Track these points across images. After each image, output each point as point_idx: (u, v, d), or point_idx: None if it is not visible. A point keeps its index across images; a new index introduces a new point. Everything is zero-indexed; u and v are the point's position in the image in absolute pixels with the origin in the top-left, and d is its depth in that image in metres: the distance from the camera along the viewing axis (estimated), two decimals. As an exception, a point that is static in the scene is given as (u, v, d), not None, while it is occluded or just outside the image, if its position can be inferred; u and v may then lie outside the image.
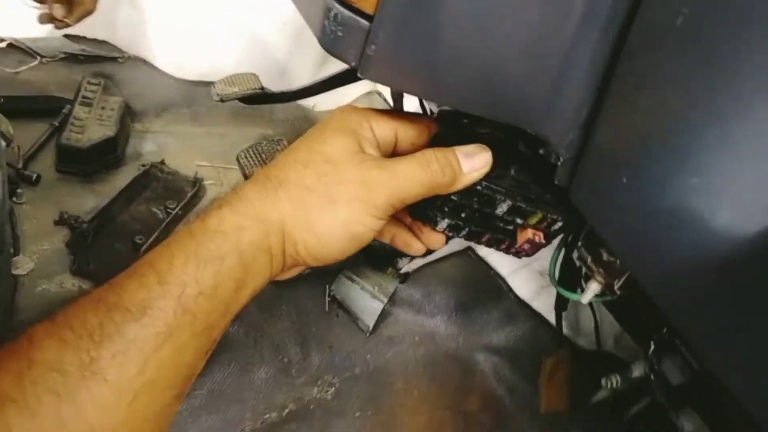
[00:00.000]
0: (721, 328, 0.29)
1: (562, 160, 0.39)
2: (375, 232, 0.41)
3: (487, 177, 0.43)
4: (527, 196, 0.44)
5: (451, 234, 0.46)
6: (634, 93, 0.32)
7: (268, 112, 1.24)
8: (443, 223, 0.45)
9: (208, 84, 1.20)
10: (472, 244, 0.63)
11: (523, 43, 0.35)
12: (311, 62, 1.28)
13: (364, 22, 0.35)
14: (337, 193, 0.39)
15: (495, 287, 0.93)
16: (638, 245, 0.34)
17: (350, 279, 0.84)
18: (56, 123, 0.97)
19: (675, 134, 0.30)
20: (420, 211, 0.46)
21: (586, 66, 0.35)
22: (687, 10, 0.27)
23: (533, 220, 0.45)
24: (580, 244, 0.46)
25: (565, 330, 0.85)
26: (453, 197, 0.43)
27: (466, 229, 0.46)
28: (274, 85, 1.14)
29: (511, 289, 0.93)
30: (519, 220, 0.45)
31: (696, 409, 0.39)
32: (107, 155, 0.95)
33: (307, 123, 1.27)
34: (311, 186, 0.39)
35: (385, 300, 0.84)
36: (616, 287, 0.42)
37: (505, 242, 0.47)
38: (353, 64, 0.37)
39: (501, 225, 0.46)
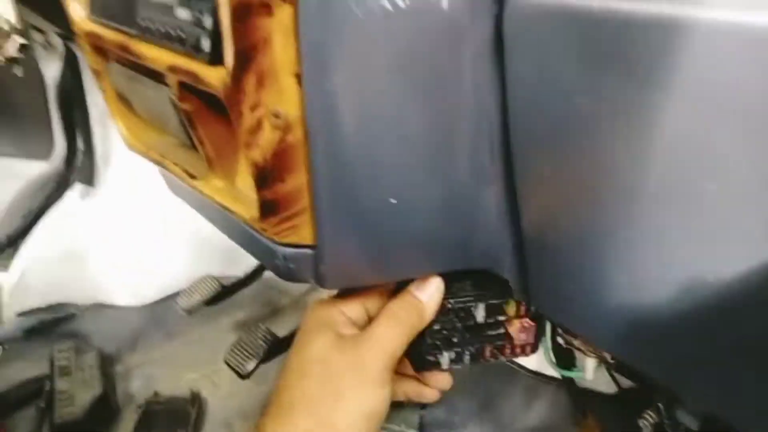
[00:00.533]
0: (704, 375, 0.34)
1: (510, 281, 0.44)
2: (387, 399, 0.44)
3: (452, 295, 0.48)
4: (494, 292, 0.48)
5: (456, 366, 0.50)
6: (542, 220, 0.38)
7: (233, 297, 1.27)
8: (445, 360, 0.49)
9: (169, 299, 1.24)
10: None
11: (435, 214, 0.40)
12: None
13: (309, 251, 0.40)
14: (339, 387, 0.43)
15: (506, 370, 0.96)
16: (602, 328, 0.39)
17: (376, 429, 0.85)
18: (42, 404, 0.97)
19: (588, 235, 0.36)
20: (421, 362, 0.50)
21: (493, 208, 0.41)
22: (549, 169, 0.34)
23: (511, 310, 0.49)
24: (559, 331, 0.50)
25: (584, 381, 0.88)
26: (435, 327, 0.48)
27: (467, 354, 0.49)
28: (227, 271, 1.19)
29: (521, 366, 0.96)
30: (501, 318, 0.49)
31: None
32: (104, 412, 0.95)
33: (271, 290, 1.31)
34: (316, 394, 0.43)
35: (416, 432, 0.85)
36: (608, 358, 0.46)
37: (506, 345, 0.50)
38: (312, 282, 0.42)
39: (491, 333, 0.50)
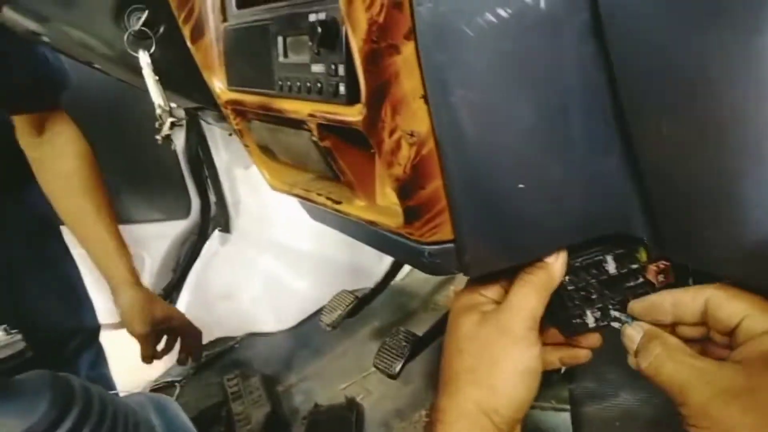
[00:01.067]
0: None
1: (645, 238, 0.47)
2: (537, 357, 0.48)
3: (577, 254, 0.49)
4: (617, 242, 0.49)
5: (605, 322, 0.52)
6: (667, 179, 0.41)
7: (367, 308, 1.36)
8: (590, 318, 0.51)
9: (310, 319, 1.35)
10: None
11: (561, 190, 0.44)
12: (372, 250, 1.43)
13: (450, 246, 0.46)
14: (492, 353, 0.48)
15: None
16: (742, 264, 0.40)
17: (529, 408, 0.89)
18: (222, 428, 1.10)
19: (711, 186, 0.38)
20: (569, 327, 0.52)
21: (618, 176, 0.44)
22: (664, 122, 0.37)
23: (643, 256, 0.49)
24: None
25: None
26: (570, 288, 0.50)
27: (610, 308, 0.51)
28: (352, 284, 1.27)
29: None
30: (634, 266, 0.50)
31: None
32: (276, 427, 1.05)
33: (400, 296, 1.38)
34: (474, 364, 0.48)
35: (567, 406, 0.87)
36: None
37: (648, 292, 0.50)
38: (458, 272, 0.48)
39: (630, 284, 0.51)
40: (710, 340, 0.45)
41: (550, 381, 0.92)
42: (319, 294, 1.30)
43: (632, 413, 0.87)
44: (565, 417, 0.87)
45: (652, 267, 0.50)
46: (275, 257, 1.35)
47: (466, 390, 0.48)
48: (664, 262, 0.50)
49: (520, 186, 0.42)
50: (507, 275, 0.54)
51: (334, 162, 0.49)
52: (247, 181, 1.33)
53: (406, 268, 1.44)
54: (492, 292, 0.53)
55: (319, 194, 0.56)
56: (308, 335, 1.30)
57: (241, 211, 1.37)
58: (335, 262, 1.38)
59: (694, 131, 0.36)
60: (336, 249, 1.37)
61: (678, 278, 0.51)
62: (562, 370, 0.96)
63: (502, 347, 0.48)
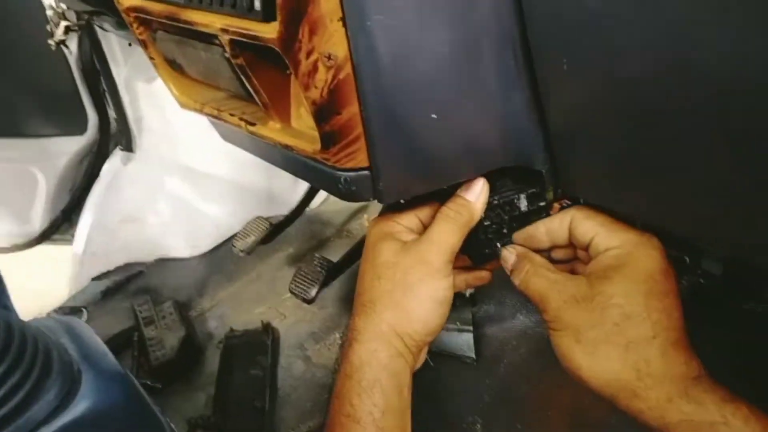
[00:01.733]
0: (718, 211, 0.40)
1: (544, 172, 0.50)
2: (451, 288, 0.51)
3: (495, 192, 0.53)
4: (532, 183, 0.53)
5: None
6: (565, 113, 0.43)
7: (281, 235, 1.36)
8: (500, 249, 0.56)
9: (224, 245, 1.33)
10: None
11: (472, 121, 0.46)
12: (288, 177, 1.41)
13: (366, 173, 0.46)
14: (410, 281, 0.50)
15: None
16: (627, 198, 0.45)
17: (435, 329, 0.94)
18: (135, 352, 1.09)
19: (608, 127, 0.41)
20: (479, 257, 0.56)
21: (524, 110, 0.46)
22: (565, 60, 0.39)
23: (550, 194, 0.54)
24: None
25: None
26: (486, 223, 0.54)
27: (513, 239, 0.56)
28: (269, 211, 1.26)
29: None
30: (541, 203, 0.55)
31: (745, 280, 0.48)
32: (191, 352, 1.06)
33: (314, 224, 1.39)
34: (392, 289, 0.51)
35: (471, 327, 0.94)
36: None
37: None
38: (372, 199, 0.49)
39: (536, 218, 0.56)
40: (578, 259, 0.52)
41: (455, 304, 0.97)
42: (233, 220, 1.29)
43: (527, 333, 0.94)
44: (468, 337, 0.94)
45: (556, 205, 0.54)
46: (183, 180, 1.30)
47: (382, 313, 0.50)
48: (566, 201, 0.54)
49: (433, 116, 0.43)
50: (421, 205, 0.56)
51: (247, 81, 0.47)
52: (150, 96, 1.25)
53: (321, 195, 1.44)
54: (408, 221, 0.55)
55: (232, 114, 0.54)
56: (221, 261, 1.29)
57: (144, 128, 1.29)
58: (249, 188, 1.36)
59: (586, 73, 0.38)
60: (250, 174, 1.34)
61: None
62: (467, 294, 1.01)
63: (420, 276, 0.50)
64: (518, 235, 0.54)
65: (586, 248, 0.49)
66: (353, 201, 0.49)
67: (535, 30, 0.40)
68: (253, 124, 0.52)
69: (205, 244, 1.32)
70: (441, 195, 0.54)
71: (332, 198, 1.52)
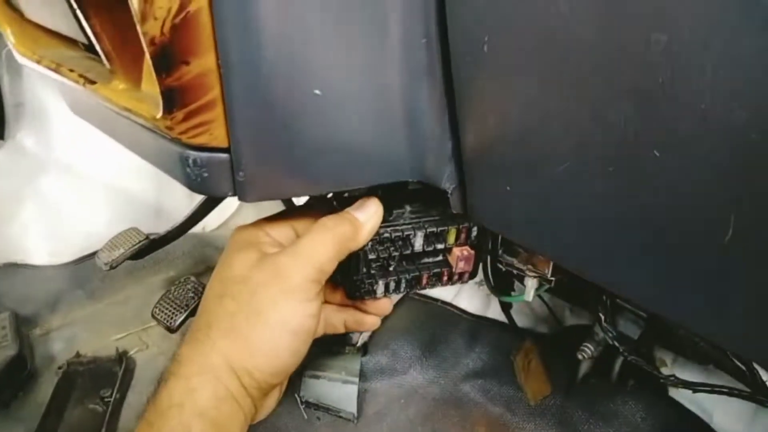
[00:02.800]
0: (637, 268, 0.32)
1: (449, 192, 0.41)
2: (313, 317, 0.40)
3: (389, 223, 0.45)
4: (432, 220, 0.46)
5: (393, 293, 0.48)
6: (478, 114, 0.35)
7: (163, 255, 1.20)
8: (381, 287, 0.47)
9: (92, 256, 1.16)
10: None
11: (365, 111, 0.37)
12: (182, 190, 1.27)
13: (224, 156, 0.36)
14: (258, 303, 0.39)
15: (447, 315, 0.95)
16: (541, 232, 0.37)
17: (315, 377, 0.82)
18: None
19: (525, 135, 0.33)
20: (354, 290, 0.47)
21: (429, 108, 0.38)
22: (487, 37, 0.31)
23: (451, 238, 0.47)
24: (500, 252, 0.48)
25: (524, 323, 0.88)
26: (371, 257, 0.45)
27: (403, 281, 0.47)
28: (154, 227, 1.11)
29: (463, 311, 0.95)
30: (439, 246, 0.47)
31: (664, 344, 0.42)
32: (19, 375, 0.87)
33: (205, 247, 1.25)
34: (235, 312, 0.39)
35: (356, 380, 0.83)
36: (548, 275, 0.45)
37: (444, 273, 0.48)
38: (230, 194, 0.38)
39: (429, 260, 0.48)
40: None
41: (342, 352, 0.86)
42: (110, 231, 1.12)
43: (418, 392, 0.84)
44: (351, 390, 0.83)
45: (456, 251, 0.48)
46: (57, 179, 1.13)
47: (217, 341, 0.38)
48: (468, 250, 0.46)
49: (316, 92, 0.34)
50: (302, 216, 0.46)
51: (84, 18, 0.36)
52: (35, 82, 1.09)
53: (221, 215, 1.31)
54: (279, 231, 0.44)
55: (71, 70, 0.42)
56: (86, 276, 1.11)
57: (23, 116, 1.12)
58: (133, 198, 1.20)
59: (520, 51, 0.30)
60: (140, 184, 1.19)
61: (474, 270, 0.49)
62: (360, 342, 0.91)
63: (272, 297, 0.39)
64: None
65: None
66: (206, 193, 0.38)
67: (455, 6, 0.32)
68: (93, 83, 0.40)
69: (69, 253, 1.13)
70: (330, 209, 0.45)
71: (233, 221, 1.38)
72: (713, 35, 0.23)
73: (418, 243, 0.46)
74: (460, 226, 0.47)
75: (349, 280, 0.47)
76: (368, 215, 0.44)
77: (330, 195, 0.49)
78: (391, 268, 0.47)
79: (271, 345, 0.38)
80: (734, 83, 0.23)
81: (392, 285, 0.47)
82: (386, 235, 0.45)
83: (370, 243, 0.45)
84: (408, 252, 0.46)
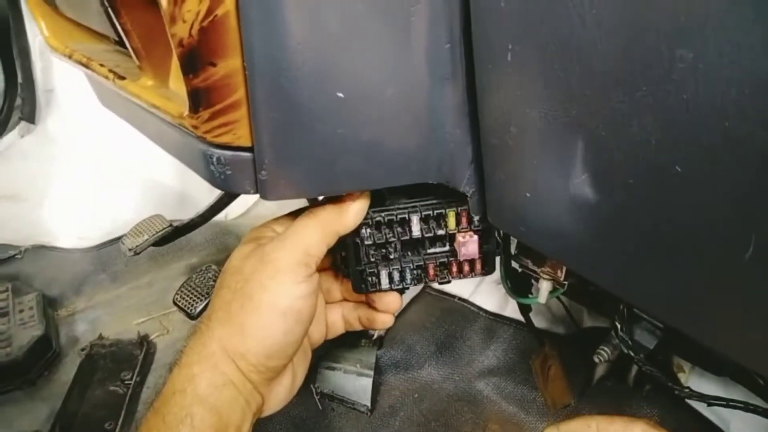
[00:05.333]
0: (653, 280, 0.32)
1: (469, 195, 0.42)
2: (301, 298, 0.41)
3: (384, 208, 0.45)
4: (428, 204, 0.45)
5: (399, 285, 0.47)
6: (499, 120, 0.35)
7: (186, 242, 1.22)
8: (385, 278, 0.46)
9: (116, 241, 1.18)
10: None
11: (387, 115, 0.37)
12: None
13: (247, 155, 0.36)
14: (250, 289, 0.40)
15: (464, 312, 0.95)
16: (557, 239, 0.37)
17: (330, 368, 0.83)
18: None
19: (545, 144, 0.33)
20: (360, 282, 0.47)
21: (451, 112, 0.38)
22: (512, 45, 0.30)
23: (452, 223, 0.45)
24: (515, 253, 0.48)
25: (542, 324, 0.88)
26: (368, 243, 0.45)
27: (408, 271, 0.47)
28: (178, 215, 1.14)
29: (480, 308, 0.95)
30: (440, 232, 0.46)
31: (681, 354, 0.42)
32: (44, 355, 0.90)
33: (227, 236, 1.26)
34: (230, 300, 0.41)
35: (371, 373, 0.83)
36: (561, 279, 0.44)
37: (452, 263, 0.47)
38: (252, 192, 0.39)
39: (436, 250, 0.47)
40: None
41: (359, 345, 0.87)
42: (133, 217, 1.14)
43: (432, 387, 0.85)
44: (366, 382, 0.83)
45: (458, 236, 0.46)
46: (87, 165, 1.15)
47: (215, 329, 0.40)
48: (470, 234, 0.45)
49: (339, 95, 0.34)
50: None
51: (116, 16, 0.37)
52: (66, 69, 1.11)
53: (242, 204, 1.32)
54: (282, 224, 0.46)
55: (102, 65, 0.43)
56: (110, 260, 1.14)
57: (54, 102, 1.15)
58: (158, 185, 1.22)
59: (545, 60, 0.30)
60: (162, 171, 1.21)
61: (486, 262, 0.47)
62: (375, 336, 0.92)
63: (261, 281, 0.40)
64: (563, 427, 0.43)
65: None
66: (229, 190, 0.39)
67: (480, 7, 0.32)
68: (122, 78, 0.41)
69: (95, 237, 1.16)
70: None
71: (255, 210, 1.39)
72: (738, 53, 0.23)
73: (416, 227, 0.45)
74: (459, 209, 0.45)
75: (353, 271, 0.47)
76: (353, 197, 0.44)
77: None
78: (392, 257, 0.46)
79: (261, 327, 0.39)
80: (759, 101, 0.23)
81: (396, 276, 0.47)
82: (379, 219, 0.45)
83: (365, 229, 0.45)
84: (407, 238, 0.46)
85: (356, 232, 0.44)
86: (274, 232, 0.44)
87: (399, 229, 0.45)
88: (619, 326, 0.41)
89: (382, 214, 0.45)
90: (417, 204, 0.45)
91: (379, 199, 0.45)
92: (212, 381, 0.38)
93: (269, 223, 0.45)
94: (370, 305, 0.50)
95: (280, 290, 0.40)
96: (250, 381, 0.40)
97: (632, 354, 0.41)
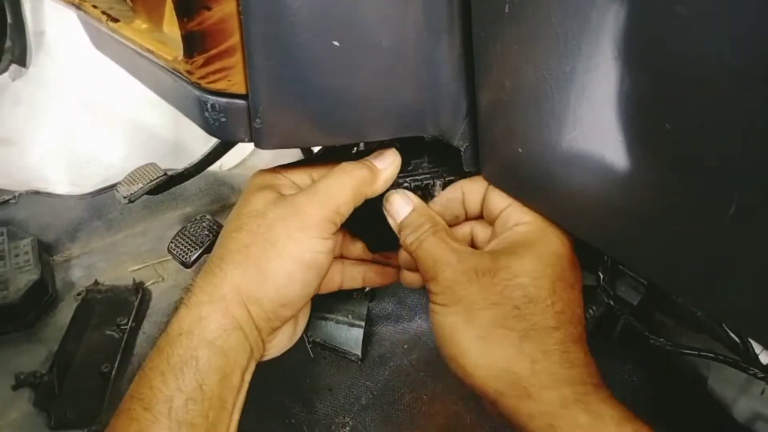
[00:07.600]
0: (638, 236, 0.33)
1: (462, 149, 0.42)
2: (325, 254, 0.42)
3: (408, 173, 0.46)
4: (451, 169, 0.46)
5: None
6: (495, 75, 0.35)
7: (180, 191, 1.22)
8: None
9: (110, 188, 1.18)
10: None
11: (383, 65, 0.37)
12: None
13: (242, 102, 0.36)
14: (274, 235, 0.40)
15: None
16: (548, 196, 0.37)
17: (323, 318, 0.85)
18: (-25, 291, 0.93)
19: (539, 99, 0.33)
20: (378, 244, 0.48)
21: (447, 65, 0.37)
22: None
23: None
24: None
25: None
26: None
27: None
28: (172, 164, 1.13)
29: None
30: None
31: (663, 311, 0.43)
32: (41, 299, 0.91)
33: (221, 186, 1.26)
34: (250, 243, 0.40)
35: (363, 323, 0.85)
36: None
37: None
38: (246, 140, 0.39)
39: None
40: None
41: (352, 296, 0.89)
42: (126, 164, 1.13)
43: (422, 339, 0.87)
44: (357, 333, 0.85)
45: None
46: (77, 110, 1.14)
47: (229, 272, 0.40)
48: None
49: (335, 43, 0.34)
50: (319, 165, 0.47)
51: (108, -46, 0.36)
52: (59, 11, 1.09)
53: (237, 155, 1.32)
54: (297, 175, 0.46)
55: (95, 6, 0.42)
56: (105, 207, 1.14)
57: (45, 44, 1.12)
58: (152, 133, 1.21)
59: (536, 26, 0.30)
60: (156, 118, 1.20)
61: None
62: (366, 289, 0.93)
63: (289, 231, 0.40)
64: (437, 200, 0.46)
65: (493, 222, 0.43)
66: (223, 138, 0.39)
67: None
68: (116, 21, 0.40)
69: (90, 185, 1.16)
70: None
71: (250, 161, 1.39)
72: (738, 5, 0.22)
73: (437, 191, 0.47)
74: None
75: (373, 232, 0.48)
76: (386, 164, 0.44)
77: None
78: None
79: (283, 274, 0.40)
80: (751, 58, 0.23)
81: None
82: (405, 184, 0.46)
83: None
84: (429, 200, 0.47)
85: (381, 194, 0.45)
86: (289, 180, 0.44)
87: (420, 194, 0.46)
88: (602, 277, 0.42)
89: (407, 179, 0.45)
90: (440, 169, 0.46)
91: (402, 163, 0.45)
92: (221, 324, 0.38)
93: (279, 170, 0.45)
94: (380, 261, 0.51)
95: (307, 243, 0.40)
96: (257, 328, 0.40)
97: (614, 304, 0.42)
